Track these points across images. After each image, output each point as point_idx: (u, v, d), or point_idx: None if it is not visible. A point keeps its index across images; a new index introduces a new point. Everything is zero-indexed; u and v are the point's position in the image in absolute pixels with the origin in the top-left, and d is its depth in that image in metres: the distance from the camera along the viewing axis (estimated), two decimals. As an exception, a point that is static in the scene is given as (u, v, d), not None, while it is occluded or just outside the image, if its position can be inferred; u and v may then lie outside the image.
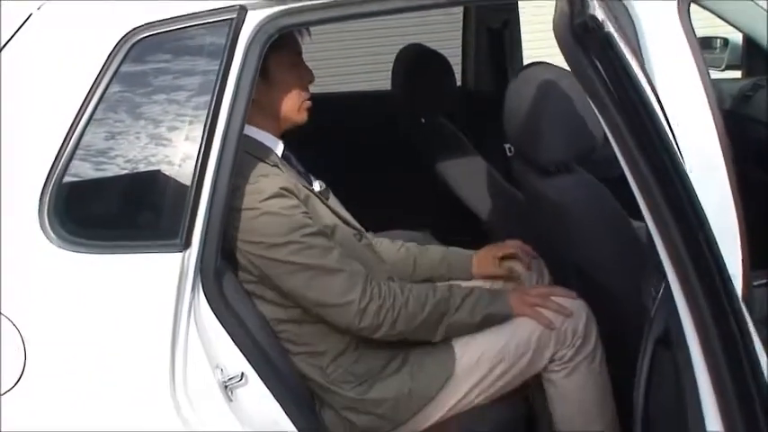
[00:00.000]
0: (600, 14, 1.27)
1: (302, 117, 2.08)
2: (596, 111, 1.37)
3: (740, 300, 1.38)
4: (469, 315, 2.03)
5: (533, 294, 2.11)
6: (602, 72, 1.30)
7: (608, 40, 1.29)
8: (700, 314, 1.24)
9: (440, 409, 2.05)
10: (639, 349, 1.57)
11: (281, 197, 1.89)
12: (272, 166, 1.96)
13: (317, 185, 2.13)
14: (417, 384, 2.02)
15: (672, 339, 1.36)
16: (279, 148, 2.05)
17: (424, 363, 2.04)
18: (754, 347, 1.27)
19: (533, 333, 2.07)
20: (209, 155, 1.66)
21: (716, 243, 1.30)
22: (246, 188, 1.88)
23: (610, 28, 1.29)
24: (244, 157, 1.88)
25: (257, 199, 1.88)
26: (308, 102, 2.08)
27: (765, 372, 1.29)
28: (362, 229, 2.21)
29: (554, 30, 1.41)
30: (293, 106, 2.05)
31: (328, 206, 2.08)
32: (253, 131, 2.00)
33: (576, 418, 2.12)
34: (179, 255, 1.62)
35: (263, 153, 1.98)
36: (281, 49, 1.96)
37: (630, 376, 1.58)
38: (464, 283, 2.20)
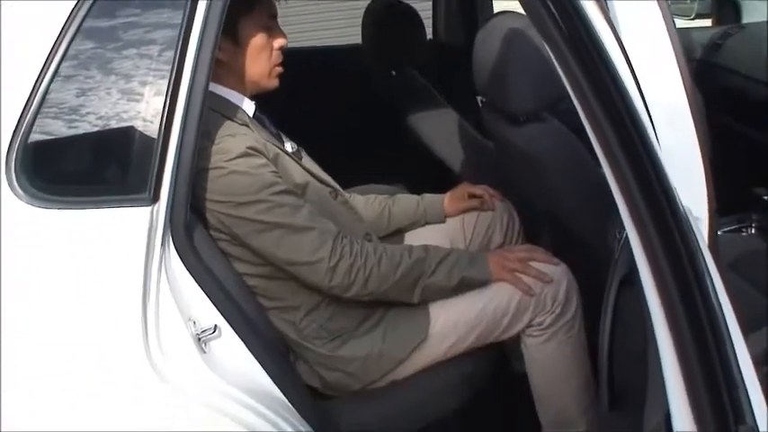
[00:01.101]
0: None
1: (272, 83, 2.06)
2: (549, 51, 1.38)
3: (701, 245, 1.40)
4: (446, 278, 2.01)
5: (513, 259, 2.09)
6: (555, 14, 1.30)
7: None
8: (656, 261, 1.26)
9: (410, 370, 2.05)
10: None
11: (248, 156, 1.89)
12: (241, 125, 1.95)
13: (288, 146, 2.12)
14: (389, 346, 2.02)
15: (636, 280, 1.38)
16: (249, 108, 2.04)
17: (398, 324, 2.05)
18: (710, 290, 1.28)
19: (512, 298, 2.06)
20: (174, 108, 1.64)
21: (672, 189, 1.31)
22: (213, 148, 1.87)
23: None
24: (211, 115, 1.88)
25: (224, 158, 1.87)
26: (279, 68, 2.05)
27: (725, 315, 1.31)
28: (338, 187, 2.20)
29: None
30: (262, 71, 2.03)
31: (301, 165, 2.07)
32: (222, 90, 1.99)
33: (549, 380, 2.14)
34: (147, 208, 1.61)
35: (231, 112, 1.97)
36: (251, 10, 1.95)
37: (598, 317, 1.61)
38: (441, 244, 2.18)
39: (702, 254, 1.37)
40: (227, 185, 1.86)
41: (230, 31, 1.92)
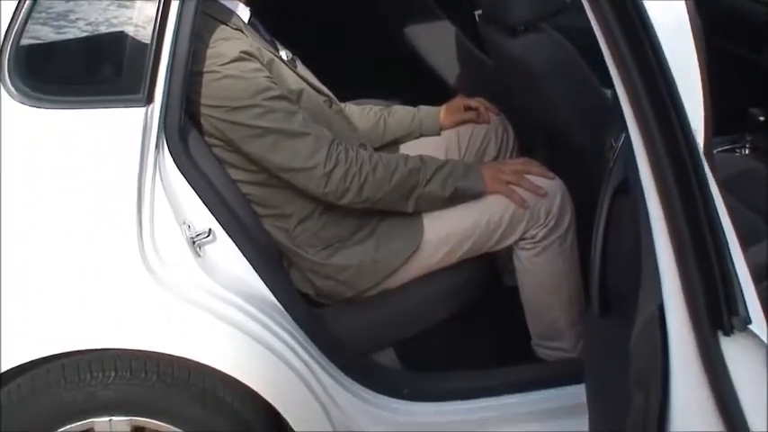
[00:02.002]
0: None
1: None
2: None
3: (700, 151, 1.41)
4: (441, 188, 2.01)
5: (508, 171, 2.08)
6: None
7: None
8: (657, 160, 1.26)
9: (402, 279, 2.07)
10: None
11: (242, 60, 1.86)
12: (235, 29, 1.93)
13: (283, 54, 2.10)
14: (381, 255, 2.03)
15: (630, 188, 1.38)
16: (244, 13, 2.01)
17: (391, 234, 2.05)
18: (713, 203, 1.29)
19: (506, 211, 2.05)
20: (168, 10, 1.63)
21: (678, 92, 1.30)
22: (207, 52, 1.84)
23: None
24: (205, 20, 1.85)
25: (218, 62, 1.85)
26: None
27: (723, 224, 1.32)
28: (332, 96, 2.19)
29: None
30: None
31: (296, 72, 2.05)
32: None
33: (540, 292, 2.15)
34: (142, 109, 1.61)
35: (224, 16, 1.94)
36: None
37: (591, 228, 1.61)
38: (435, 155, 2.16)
39: (700, 155, 1.37)
40: (221, 90, 1.85)
41: None
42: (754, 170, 2.52)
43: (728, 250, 1.20)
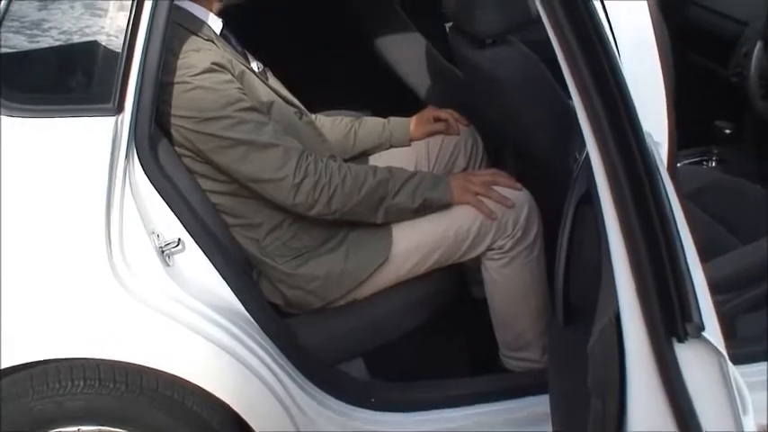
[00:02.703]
0: None
1: None
2: None
3: (660, 167, 1.43)
4: (409, 199, 2.02)
5: (476, 182, 2.09)
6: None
7: None
8: (615, 176, 1.28)
9: (371, 289, 2.08)
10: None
11: (213, 72, 1.87)
12: (206, 40, 1.93)
13: (255, 65, 2.11)
14: (350, 266, 2.04)
15: (593, 199, 1.40)
16: (216, 24, 2.02)
17: (360, 245, 2.06)
18: (668, 212, 1.31)
19: (474, 222, 2.07)
20: (139, 20, 1.63)
21: (634, 108, 1.33)
22: (178, 62, 1.85)
23: None
24: (177, 30, 1.86)
25: (189, 73, 1.85)
26: None
27: (682, 238, 1.34)
28: (303, 107, 2.20)
29: None
30: None
31: (267, 84, 2.06)
32: (188, 5, 1.97)
33: (508, 303, 2.16)
34: (112, 119, 1.61)
35: (196, 26, 1.95)
36: None
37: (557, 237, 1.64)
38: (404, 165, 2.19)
39: (661, 175, 1.40)
40: (191, 101, 1.86)
41: None
42: (721, 182, 2.56)
43: (684, 258, 1.22)
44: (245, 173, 1.92)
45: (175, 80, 1.84)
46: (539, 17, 1.45)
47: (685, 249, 1.26)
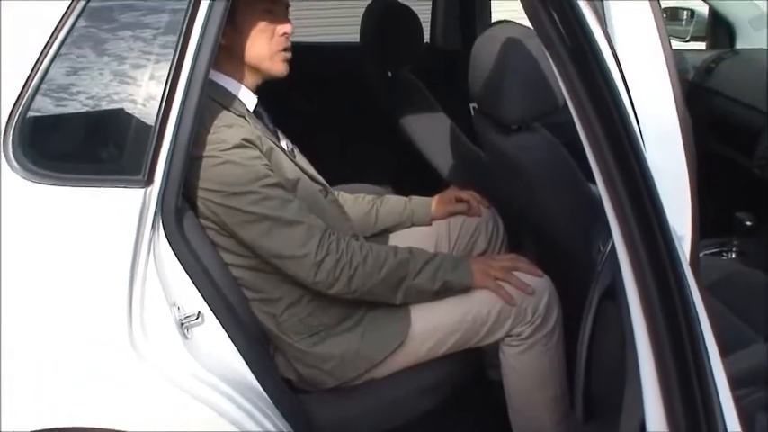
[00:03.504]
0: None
1: (277, 68, 2.06)
2: (554, 68, 1.40)
3: (684, 261, 1.43)
4: (430, 281, 2.02)
5: (497, 267, 2.09)
6: (562, 30, 1.32)
7: (569, 1, 1.31)
8: (641, 271, 1.28)
9: (386, 370, 2.06)
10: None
11: (243, 148, 1.90)
12: (238, 116, 1.96)
13: (284, 143, 2.14)
14: (366, 347, 2.03)
15: (617, 293, 1.40)
16: (250, 100, 2.05)
17: (377, 325, 2.05)
18: (692, 305, 1.31)
19: (493, 307, 2.06)
20: (174, 93, 1.66)
21: (661, 205, 1.33)
22: (209, 137, 1.88)
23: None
24: (210, 104, 1.90)
25: (219, 148, 1.88)
26: (285, 53, 2.06)
27: (704, 331, 1.34)
28: (328, 186, 2.21)
29: None
30: (261, 54, 2.03)
31: (294, 162, 2.08)
32: (223, 79, 2.01)
33: (525, 390, 2.14)
34: (141, 191, 1.63)
35: (229, 102, 1.98)
36: None
37: (578, 329, 1.63)
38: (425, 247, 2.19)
39: (685, 271, 1.39)
40: (220, 175, 1.88)
41: (230, 15, 1.92)
42: (741, 275, 2.55)
43: (710, 368, 1.22)
44: (268, 248, 1.93)
45: (205, 154, 1.87)
46: (565, 105, 1.46)
47: (708, 347, 1.26)
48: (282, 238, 1.91)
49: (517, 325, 2.08)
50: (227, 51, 1.98)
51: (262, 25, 2.02)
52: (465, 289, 2.07)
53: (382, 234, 2.44)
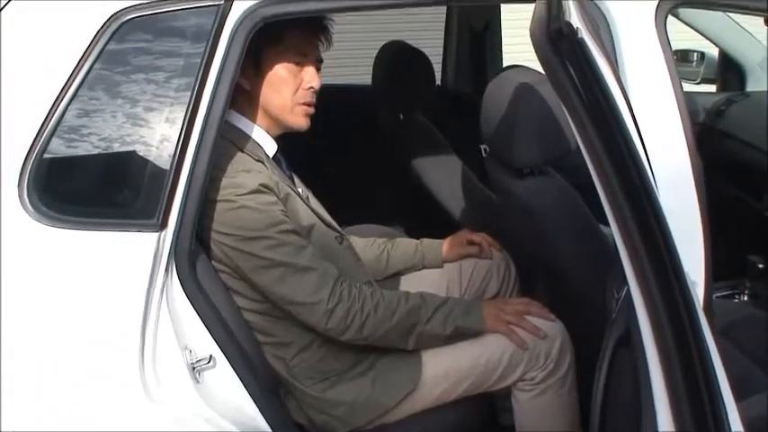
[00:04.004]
0: (575, 21, 1.30)
1: (298, 121, 2.05)
2: (567, 114, 1.41)
3: (698, 307, 1.43)
4: (441, 326, 2.01)
5: (509, 311, 2.08)
6: (574, 77, 1.33)
7: (581, 47, 1.32)
8: (657, 318, 1.28)
9: (397, 416, 2.04)
10: (600, 348, 1.60)
11: (260, 193, 1.90)
12: (257, 161, 1.97)
13: (300, 189, 2.14)
14: (377, 393, 2.01)
15: (632, 341, 1.40)
16: (270, 146, 2.05)
17: (388, 371, 2.04)
18: (708, 352, 1.30)
19: (505, 352, 2.05)
20: (189, 137, 1.68)
21: (676, 251, 1.33)
22: (226, 181, 1.88)
23: (584, 35, 1.33)
24: (229, 148, 1.91)
25: (236, 192, 1.88)
26: (307, 107, 2.05)
27: (719, 378, 1.33)
28: (343, 232, 2.22)
29: (530, 33, 1.45)
30: (283, 105, 2.02)
31: (310, 207, 2.09)
32: (244, 124, 2.02)
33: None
34: (155, 235, 1.64)
35: (249, 147, 1.98)
36: (278, 42, 1.98)
37: (591, 375, 1.62)
38: (436, 291, 2.19)
39: (700, 317, 1.39)
40: (235, 219, 1.88)
41: (254, 59, 1.95)
42: (753, 317, 2.54)
43: (726, 415, 1.21)
44: (280, 294, 1.93)
45: (222, 197, 1.87)
46: (577, 148, 1.47)
47: (723, 395, 1.25)
48: (295, 284, 1.91)
49: (530, 370, 2.06)
50: (249, 96, 2.00)
51: (287, 76, 2.02)
52: (477, 333, 2.06)
53: (393, 277, 2.44)
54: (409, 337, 2.00)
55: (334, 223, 2.18)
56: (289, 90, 2.02)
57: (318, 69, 2.07)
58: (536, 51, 1.43)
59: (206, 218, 1.84)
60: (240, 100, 1.97)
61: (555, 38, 1.33)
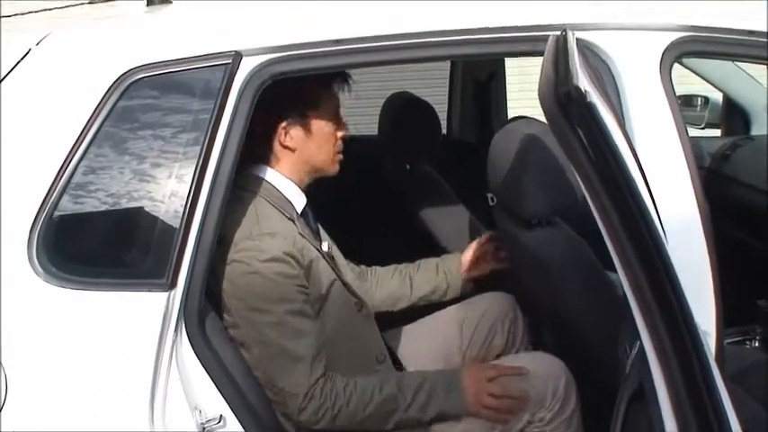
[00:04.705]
0: (583, 84, 1.31)
1: (335, 168, 2.14)
2: (577, 176, 1.41)
3: (710, 358, 1.42)
4: (420, 411, 2.01)
5: (491, 387, 2.06)
6: (583, 140, 1.34)
7: (590, 110, 1.32)
8: (670, 371, 1.28)
9: None
10: (612, 399, 1.59)
11: (280, 262, 1.92)
12: (288, 219, 2.00)
13: (325, 245, 2.16)
14: None
15: (645, 395, 1.39)
16: (299, 201, 2.09)
17: None
18: (721, 402, 1.30)
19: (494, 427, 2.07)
20: (198, 195, 1.68)
21: (687, 303, 1.33)
22: (250, 243, 1.91)
23: (592, 98, 1.33)
24: (260, 204, 1.97)
25: (256, 257, 1.91)
26: (341, 154, 2.13)
27: (734, 427, 1.33)
28: (364, 300, 2.21)
29: (539, 95, 1.46)
30: (327, 158, 2.11)
31: (334, 268, 2.10)
32: (278, 180, 2.06)
33: None
34: (164, 294, 1.64)
35: (281, 204, 2.03)
36: (319, 104, 2.05)
37: (605, 429, 1.61)
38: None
39: (712, 367, 1.38)
40: (248, 284, 1.91)
41: (302, 122, 2.04)
42: (764, 364, 2.51)
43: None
44: (267, 371, 1.95)
45: (240, 258, 1.91)
46: (585, 200, 1.47)
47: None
48: (283, 369, 1.94)
49: (538, 411, 2.07)
50: (290, 153, 2.05)
51: (329, 132, 2.10)
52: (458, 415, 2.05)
53: (396, 329, 2.42)
54: (387, 422, 2.00)
55: (356, 290, 2.18)
56: (331, 145, 2.10)
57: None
58: (544, 112, 1.44)
59: (221, 275, 1.87)
60: (282, 157, 2.04)
61: (564, 101, 1.34)
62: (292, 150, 2.05)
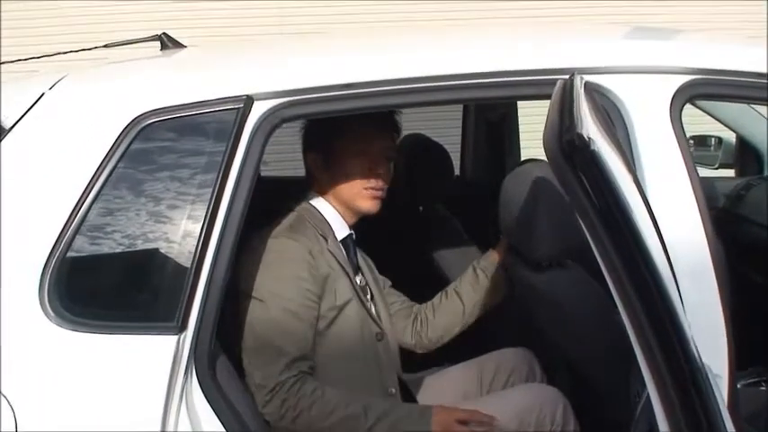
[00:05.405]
0: (590, 130, 1.31)
1: (367, 205, 2.17)
2: (582, 224, 1.41)
3: (719, 401, 1.41)
4: None
5: (462, 418, 2.05)
6: (588, 188, 1.34)
7: (594, 158, 1.33)
8: (675, 418, 1.27)
9: None
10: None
11: (295, 261, 2.01)
12: (321, 236, 2.07)
13: (359, 279, 2.19)
14: None
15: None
16: (341, 229, 2.16)
17: None
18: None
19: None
20: (209, 239, 1.69)
21: (694, 355, 1.32)
22: (274, 240, 2.02)
23: (597, 144, 1.33)
24: (299, 219, 2.07)
25: (275, 249, 2.02)
26: (375, 191, 2.15)
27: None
28: (387, 332, 2.22)
29: (543, 142, 1.47)
30: (352, 192, 2.14)
31: (360, 296, 2.13)
32: (321, 204, 2.15)
33: None
34: (174, 338, 1.64)
35: (318, 223, 2.10)
36: (343, 134, 2.10)
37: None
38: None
39: (722, 414, 1.37)
40: (261, 271, 2.00)
41: (324, 157, 2.12)
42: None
43: None
44: (247, 358, 1.99)
45: (263, 248, 2.00)
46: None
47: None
48: (261, 360, 1.98)
49: None
50: (326, 182, 2.14)
51: (355, 166, 2.13)
52: None
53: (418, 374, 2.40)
54: None
55: (381, 322, 2.20)
56: (358, 180, 2.13)
57: (388, 157, 2.19)
58: (548, 160, 1.44)
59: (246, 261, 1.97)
60: (320, 184, 2.15)
61: (568, 149, 1.34)
62: (323, 179, 2.12)
